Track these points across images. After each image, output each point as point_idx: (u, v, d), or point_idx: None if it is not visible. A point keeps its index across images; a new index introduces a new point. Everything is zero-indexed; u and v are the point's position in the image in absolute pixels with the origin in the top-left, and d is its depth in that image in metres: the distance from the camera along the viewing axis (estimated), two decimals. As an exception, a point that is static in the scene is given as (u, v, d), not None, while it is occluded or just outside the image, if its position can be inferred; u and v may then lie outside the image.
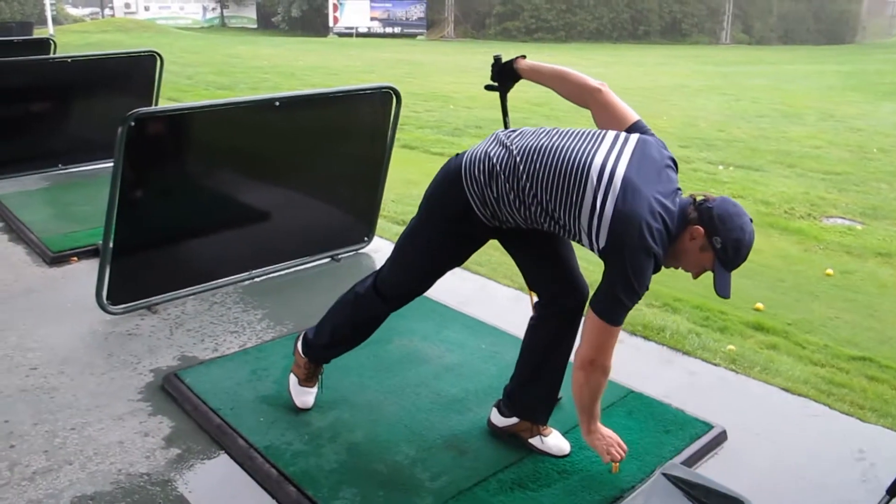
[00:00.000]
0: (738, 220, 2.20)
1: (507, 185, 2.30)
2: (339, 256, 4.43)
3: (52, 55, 8.30)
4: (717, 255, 2.21)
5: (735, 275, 2.23)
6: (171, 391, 3.13)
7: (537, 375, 2.68)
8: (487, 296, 4.28)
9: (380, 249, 4.74)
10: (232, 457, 2.73)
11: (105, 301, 3.68)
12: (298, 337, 2.95)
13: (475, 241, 2.54)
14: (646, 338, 3.78)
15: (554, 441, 2.70)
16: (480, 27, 42.36)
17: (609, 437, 2.53)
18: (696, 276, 2.32)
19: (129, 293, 3.77)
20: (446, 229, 2.49)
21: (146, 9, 52.09)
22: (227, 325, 3.73)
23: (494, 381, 3.11)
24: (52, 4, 36.49)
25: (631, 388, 3.12)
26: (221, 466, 2.70)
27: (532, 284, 2.73)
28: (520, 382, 2.72)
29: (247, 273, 4.12)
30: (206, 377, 3.18)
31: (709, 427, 2.87)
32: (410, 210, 5.84)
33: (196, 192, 3.97)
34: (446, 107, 13.25)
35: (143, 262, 3.82)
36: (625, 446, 2.54)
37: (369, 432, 2.83)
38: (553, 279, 2.60)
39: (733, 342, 3.95)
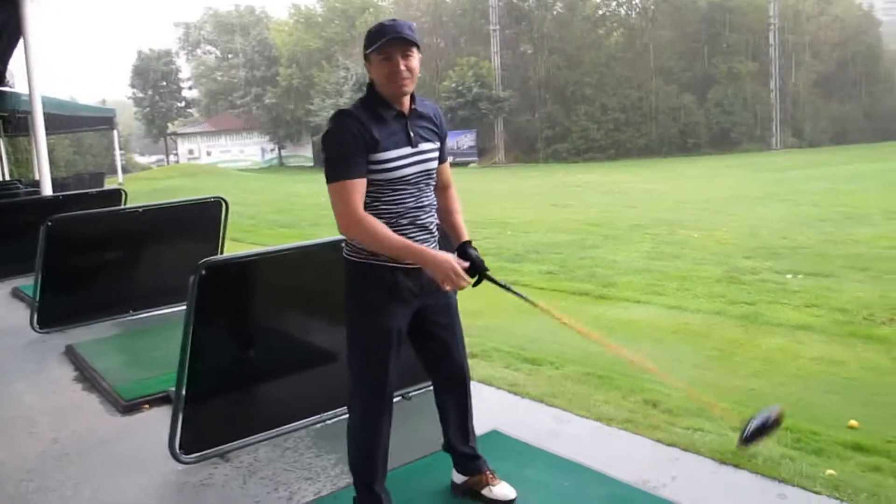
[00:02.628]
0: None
1: None
2: (410, 395, 4.35)
3: (122, 206, 8.68)
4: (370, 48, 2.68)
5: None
6: (246, 546, 3.03)
7: (447, 422, 3.10)
8: (564, 429, 4.11)
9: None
10: None
11: (178, 450, 3.63)
12: None
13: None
14: (737, 466, 3.53)
15: (500, 490, 3.07)
16: (531, 151, 43.37)
17: (446, 262, 2.69)
18: (403, 72, 2.65)
19: (202, 441, 3.73)
20: None
21: (208, 153, 55.08)
22: (300, 472, 3.64)
23: (581, 522, 2.94)
24: (121, 155, 38.63)
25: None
26: None
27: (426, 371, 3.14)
28: (445, 439, 3.13)
29: (318, 416, 4.06)
30: (282, 529, 3.09)
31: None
32: (478, 342, 5.76)
33: (265, 336, 3.99)
34: (504, 233, 13.34)
35: (215, 408, 3.79)
36: (464, 277, 2.71)
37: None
38: (435, 370, 3.06)
39: (832, 466, 3.69)
